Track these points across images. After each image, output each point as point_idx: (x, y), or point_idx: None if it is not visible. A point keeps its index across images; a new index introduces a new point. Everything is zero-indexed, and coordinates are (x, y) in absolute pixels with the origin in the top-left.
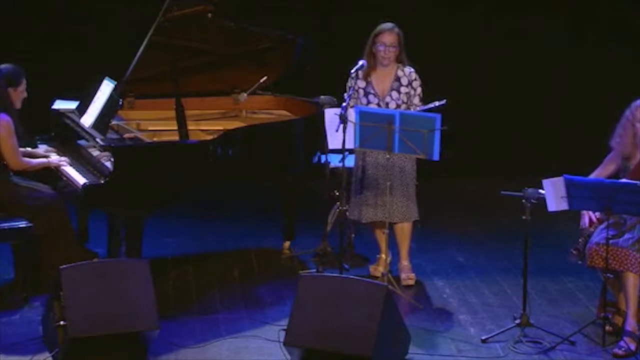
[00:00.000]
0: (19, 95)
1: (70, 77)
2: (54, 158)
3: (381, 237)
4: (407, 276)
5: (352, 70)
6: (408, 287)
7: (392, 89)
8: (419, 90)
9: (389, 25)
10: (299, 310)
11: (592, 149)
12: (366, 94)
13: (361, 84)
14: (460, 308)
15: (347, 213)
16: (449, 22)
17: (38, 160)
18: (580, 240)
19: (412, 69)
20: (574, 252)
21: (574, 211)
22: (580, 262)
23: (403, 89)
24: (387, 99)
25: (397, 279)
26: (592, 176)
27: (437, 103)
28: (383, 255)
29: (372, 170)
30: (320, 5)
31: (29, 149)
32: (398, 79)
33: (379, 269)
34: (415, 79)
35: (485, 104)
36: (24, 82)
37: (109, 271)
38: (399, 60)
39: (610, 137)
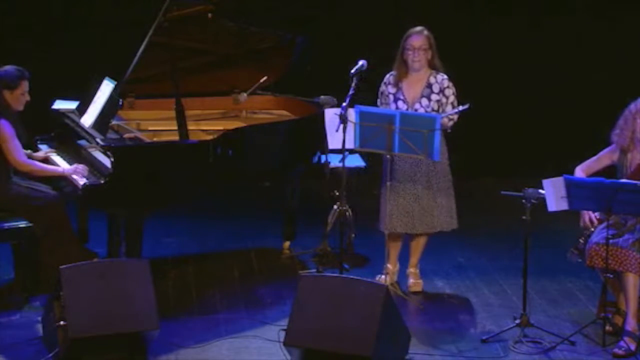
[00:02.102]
0: (17, 97)
1: (70, 77)
2: (69, 168)
3: (393, 246)
4: (415, 282)
5: (352, 71)
6: (415, 293)
7: (422, 96)
8: (451, 98)
9: (417, 28)
10: (299, 310)
11: (591, 149)
12: (395, 100)
13: (392, 89)
14: (460, 308)
15: (381, 226)
16: (449, 22)
17: (50, 167)
18: (580, 240)
19: (445, 76)
20: (575, 251)
21: (574, 211)
22: (580, 260)
23: (434, 96)
24: (416, 105)
25: (400, 284)
26: (583, 166)
27: (460, 107)
28: (390, 266)
29: (399, 178)
30: (320, 4)
31: (29, 151)
32: (430, 85)
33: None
34: (447, 87)
35: (485, 104)
36: (24, 84)
37: (109, 271)
38: (432, 66)
39: (610, 129)
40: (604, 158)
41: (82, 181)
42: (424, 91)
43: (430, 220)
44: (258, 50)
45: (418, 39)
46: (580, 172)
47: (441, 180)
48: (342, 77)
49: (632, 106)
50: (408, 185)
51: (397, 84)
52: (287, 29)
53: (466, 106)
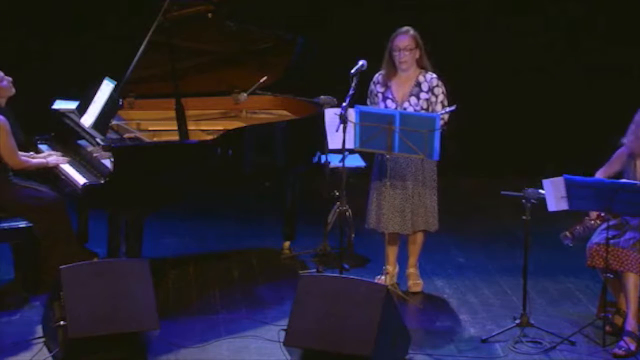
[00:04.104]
0: (5, 90)
1: (70, 77)
2: (52, 158)
3: (391, 248)
4: (414, 283)
5: (352, 71)
6: (415, 293)
7: (411, 95)
8: (441, 97)
9: (403, 28)
10: (299, 310)
11: (591, 149)
12: (384, 99)
13: (380, 88)
14: (460, 308)
15: (366, 224)
16: (448, 21)
17: (37, 160)
18: (578, 227)
19: (434, 75)
20: (568, 234)
21: (574, 211)
22: (571, 246)
23: (423, 95)
24: (405, 104)
25: (400, 285)
26: (600, 171)
27: (448, 109)
28: (390, 267)
29: (393, 177)
30: (319, 4)
31: (32, 153)
32: (418, 84)
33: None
34: (437, 85)
35: (485, 103)
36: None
37: (109, 271)
38: (421, 65)
39: (623, 133)
40: (614, 162)
41: (82, 180)
42: (412, 90)
43: (420, 219)
44: (258, 50)
45: (404, 39)
46: (600, 176)
47: (428, 180)
48: (342, 77)
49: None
50: (399, 185)
51: (385, 83)
52: (287, 29)
53: (453, 107)
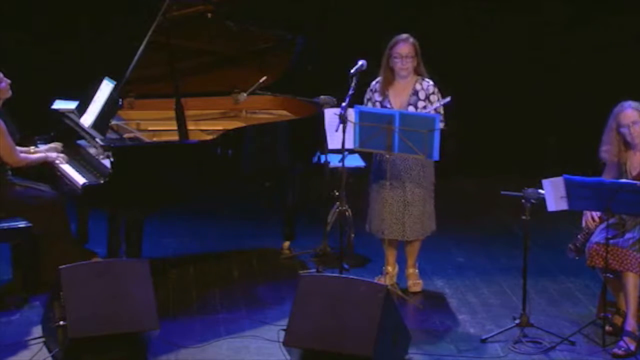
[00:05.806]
0: (2, 91)
1: (70, 77)
2: (53, 153)
3: (391, 249)
4: (414, 283)
5: (352, 71)
6: (415, 293)
7: (409, 104)
8: (436, 104)
9: (403, 36)
10: (299, 310)
11: (591, 149)
12: (382, 107)
13: (378, 97)
14: (460, 308)
15: (367, 226)
16: (449, 20)
17: (37, 155)
18: (579, 236)
19: (430, 82)
20: (572, 247)
21: (574, 211)
22: (577, 258)
23: (420, 103)
24: None
25: (399, 285)
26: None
27: (442, 101)
28: (389, 268)
29: (392, 182)
30: (320, 3)
31: (32, 148)
32: (416, 92)
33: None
34: (433, 93)
35: (485, 103)
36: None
37: (109, 271)
38: (417, 72)
39: (599, 148)
40: (607, 174)
41: (81, 180)
42: (410, 99)
43: (420, 227)
44: (258, 50)
45: (404, 46)
46: None
47: (427, 184)
48: (342, 77)
49: (611, 121)
50: (398, 191)
51: (383, 91)
52: (287, 29)
53: (448, 99)
